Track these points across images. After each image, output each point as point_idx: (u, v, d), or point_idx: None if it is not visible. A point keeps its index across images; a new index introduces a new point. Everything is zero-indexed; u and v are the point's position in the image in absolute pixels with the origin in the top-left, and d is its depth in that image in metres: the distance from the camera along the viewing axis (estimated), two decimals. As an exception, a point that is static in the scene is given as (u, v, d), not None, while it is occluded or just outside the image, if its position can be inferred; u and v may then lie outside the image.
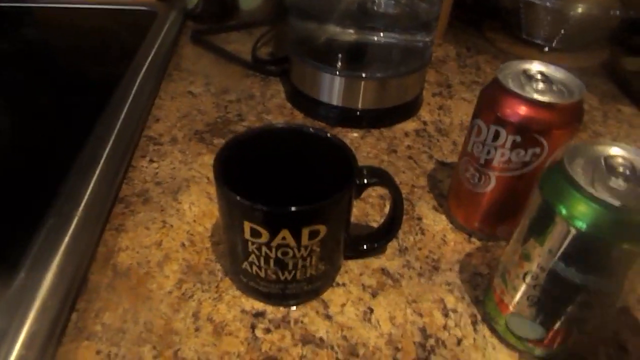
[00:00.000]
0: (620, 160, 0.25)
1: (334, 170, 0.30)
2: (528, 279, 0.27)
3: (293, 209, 0.26)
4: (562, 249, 0.25)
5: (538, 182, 0.27)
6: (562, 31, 0.62)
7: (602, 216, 0.23)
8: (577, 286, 0.25)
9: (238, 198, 0.26)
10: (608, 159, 0.26)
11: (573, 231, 0.24)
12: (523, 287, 0.28)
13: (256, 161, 0.31)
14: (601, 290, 0.25)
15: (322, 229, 0.27)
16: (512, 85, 0.31)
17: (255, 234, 0.27)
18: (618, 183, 0.24)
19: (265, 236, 0.27)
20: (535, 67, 0.33)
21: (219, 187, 0.27)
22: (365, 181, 0.30)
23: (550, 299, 0.27)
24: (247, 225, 0.27)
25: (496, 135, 0.32)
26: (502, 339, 0.31)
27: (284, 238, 0.27)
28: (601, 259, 0.24)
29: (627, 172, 0.25)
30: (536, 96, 0.30)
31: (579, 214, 0.24)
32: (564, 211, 0.24)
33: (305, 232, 0.27)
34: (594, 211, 0.23)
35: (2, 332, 0.28)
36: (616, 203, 0.23)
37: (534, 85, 0.32)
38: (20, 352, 0.27)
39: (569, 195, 0.24)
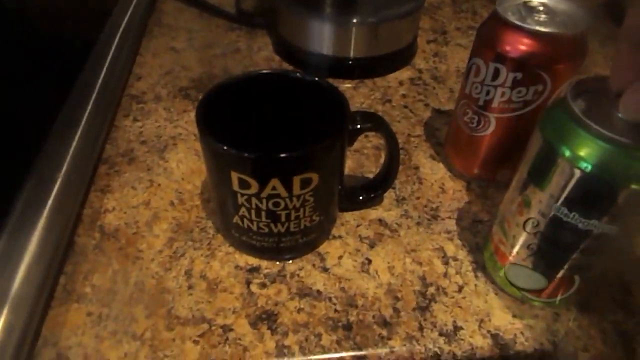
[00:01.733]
0: None
1: (325, 118, 0.29)
2: (528, 226, 0.26)
3: (282, 155, 0.24)
4: (565, 193, 0.23)
5: (538, 123, 0.25)
6: None
7: (609, 155, 0.22)
8: (580, 231, 0.24)
9: (224, 147, 0.25)
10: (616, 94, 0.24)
11: (577, 173, 0.22)
12: (523, 236, 0.27)
13: (242, 110, 0.30)
14: (606, 235, 0.24)
15: (315, 177, 0.26)
16: (512, 18, 0.29)
17: (244, 185, 0.26)
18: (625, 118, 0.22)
19: (254, 187, 0.25)
20: None
21: (202, 137, 0.26)
22: (359, 126, 0.29)
23: (552, 246, 0.26)
24: (234, 176, 0.25)
25: (496, 74, 0.30)
26: (504, 285, 0.30)
27: (274, 188, 0.25)
28: (607, 202, 0.23)
29: None
30: (538, 28, 0.28)
31: (585, 154, 0.22)
32: (567, 152, 0.23)
33: (296, 181, 0.25)
34: (601, 150, 0.22)
35: (-13, 297, 0.26)
36: (626, 140, 0.21)
37: (536, 17, 0.29)
38: (7, 317, 0.26)
39: (573, 134, 0.22)
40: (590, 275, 0.27)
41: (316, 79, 0.29)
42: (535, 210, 0.25)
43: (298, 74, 0.30)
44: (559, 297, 0.28)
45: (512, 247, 0.28)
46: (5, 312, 0.26)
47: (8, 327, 0.26)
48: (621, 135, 0.21)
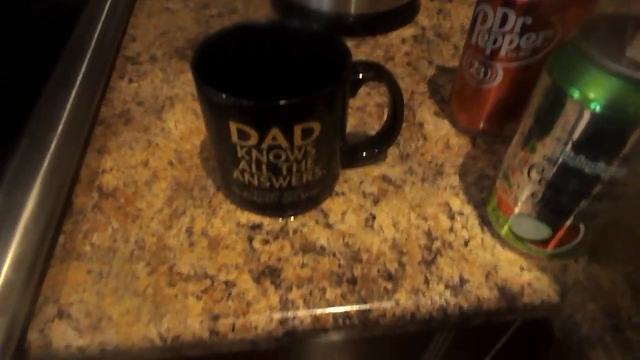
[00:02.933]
0: None
1: (326, 68, 0.27)
2: (533, 173, 0.25)
3: (283, 102, 0.23)
4: (572, 137, 0.23)
5: (546, 66, 0.24)
6: None
7: (621, 93, 0.21)
8: (587, 176, 0.23)
9: (222, 96, 0.24)
10: (632, 27, 0.23)
11: (587, 115, 0.22)
12: (528, 184, 0.26)
13: (239, 62, 0.29)
14: (613, 180, 0.23)
15: (316, 126, 0.25)
16: None
17: (243, 135, 0.25)
18: None
19: (254, 137, 0.25)
20: None
21: (198, 86, 0.25)
22: (360, 76, 0.27)
23: (557, 193, 0.25)
24: (233, 127, 0.24)
25: (504, 19, 0.29)
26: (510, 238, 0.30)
27: (274, 138, 0.25)
28: (616, 144, 0.22)
29: None
30: None
31: (595, 94, 0.21)
32: (576, 93, 0.22)
33: (297, 130, 0.25)
34: (612, 88, 0.21)
35: (-15, 255, 0.26)
36: (638, 77, 0.20)
37: None
38: (7, 274, 0.26)
39: (584, 74, 0.22)
40: (596, 224, 0.26)
41: (315, 28, 0.28)
42: (541, 155, 0.24)
43: (296, 24, 0.28)
44: (564, 248, 0.27)
45: (516, 197, 0.27)
46: (5, 269, 0.26)
47: (8, 284, 0.26)
48: (635, 72, 0.20)
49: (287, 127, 0.24)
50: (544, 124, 0.24)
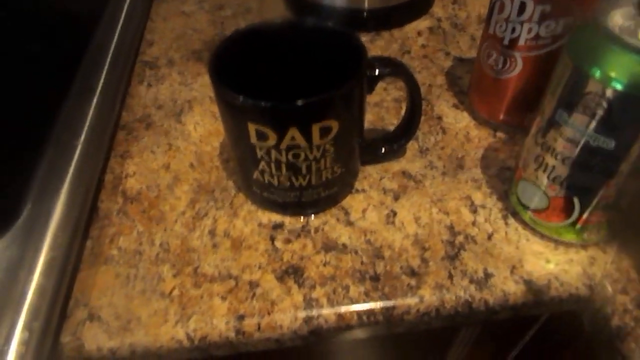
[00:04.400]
0: None
1: (343, 65, 0.27)
2: (553, 155, 0.25)
3: (300, 102, 0.23)
4: (595, 116, 0.22)
5: (565, 47, 0.24)
6: None
7: None
8: (603, 152, 0.23)
9: (240, 97, 0.24)
10: None
11: (609, 93, 0.21)
12: (550, 161, 0.26)
13: (256, 61, 0.29)
14: (629, 156, 0.23)
15: (334, 125, 0.25)
16: None
17: (261, 136, 0.25)
18: None
19: (272, 138, 0.25)
20: None
21: (216, 88, 0.25)
22: (377, 72, 0.27)
23: (578, 172, 0.25)
24: (252, 128, 0.25)
25: (522, 8, 0.29)
26: (535, 231, 0.29)
27: (293, 138, 0.25)
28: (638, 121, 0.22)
29: None
30: None
31: (617, 73, 0.21)
32: (598, 73, 0.21)
33: (315, 129, 0.25)
34: (635, 66, 0.20)
35: (18, 260, 0.27)
36: None
37: None
38: (39, 281, 0.27)
39: (606, 53, 0.21)
40: (590, 200, 0.25)
41: (331, 25, 0.28)
42: (563, 137, 0.24)
43: (313, 22, 0.28)
44: (564, 223, 0.27)
45: (526, 160, 0.28)
46: (36, 275, 0.27)
47: (40, 289, 0.26)
48: None
49: (305, 126, 0.24)
50: (566, 106, 0.24)
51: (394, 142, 0.32)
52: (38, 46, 0.43)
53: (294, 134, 0.24)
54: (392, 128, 0.35)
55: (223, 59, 0.27)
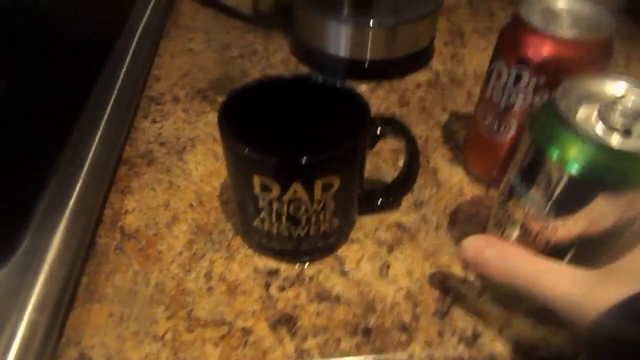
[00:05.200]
0: (625, 96, 0.23)
1: (345, 122, 0.28)
2: (514, 225, 0.26)
3: (305, 159, 0.24)
4: (552, 196, 0.23)
5: (528, 124, 0.25)
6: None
7: (597, 158, 0.21)
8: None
9: (246, 150, 0.25)
10: (610, 94, 0.23)
11: (564, 176, 0.22)
12: (511, 231, 0.27)
13: (262, 113, 0.30)
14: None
15: (336, 180, 0.26)
16: (535, 22, 0.29)
17: (265, 188, 0.26)
18: (620, 121, 0.22)
19: (276, 190, 0.26)
20: (560, 1, 0.30)
21: (224, 139, 0.26)
22: (379, 131, 0.28)
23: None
24: (256, 180, 0.25)
25: (518, 78, 0.30)
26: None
27: (295, 192, 0.26)
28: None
29: (631, 109, 0.22)
30: (562, 32, 0.28)
31: (573, 157, 0.22)
32: (555, 154, 0.22)
33: (318, 185, 0.25)
34: (589, 153, 0.21)
35: (13, 294, 0.27)
36: (614, 145, 0.21)
37: (559, 22, 0.29)
38: (31, 316, 0.27)
39: (561, 136, 0.22)
40: None
41: (338, 83, 0.29)
42: (523, 211, 0.25)
43: (319, 78, 0.30)
44: None
45: (491, 221, 0.29)
46: (29, 311, 0.27)
47: (32, 325, 0.26)
48: (611, 138, 0.21)
49: (308, 182, 0.25)
50: (527, 183, 0.25)
51: (390, 195, 0.33)
52: (47, 76, 0.44)
53: (297, 188, 0.25)
54: (389, 178, 0.36)
55: (232, 109, 0.28)
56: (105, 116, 0.39)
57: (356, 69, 0.47)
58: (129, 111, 0.41)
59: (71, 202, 0.32)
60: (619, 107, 0.22)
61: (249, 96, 0.29)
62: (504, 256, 0.25)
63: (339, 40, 0.46)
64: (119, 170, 0.37)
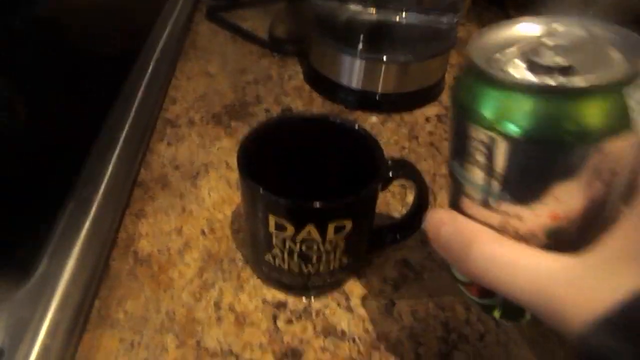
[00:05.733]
0: (549, 32, 0.19)
1: (358, 161, 0.30)
2: None
3: (320, 204, 0.25)
4: (498, 174, 0.18)
5: (450, 95, 0.20)
6: (592, 12, 0.60)
7: (538, 110, 0.16)
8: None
9: (263, 191, 0.26)
10: (531, 36, 0.19)
11: (504, 144, 0.17)
12: None
13: (279, 150, 0.31)
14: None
15: (348, 223, 0.27)
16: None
17: (280, 227, 0.27)
18: (555, 59, 0.17)
19: (290, 230, 0.26)
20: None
21: (243, 178, 0.27)
22: (391, 174, 0.29)
23: None
24: (272, 219, 0.26)
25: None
26: (524, 335, 0.31)
27: (309, 232, 0.26)
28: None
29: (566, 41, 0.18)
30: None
31: (507, 115, 0.17)
32: (485, 118, 0.17)
33: (331, 227, 0.26)
34: (526, 104, 0.16)
35: (26, 321, 0.27)
36: (556, 84, 0.16)
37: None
38: (44, 341, 0.27)
39: (486, 94, 0.17)
40: None
41: (356, 126, 0.30)
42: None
43: (338, 120, 0.31)
44: (488, 300, 0.23)
45: None
46: (42, 336, 0.27)
47: (45, 350, 0.27)
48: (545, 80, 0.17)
49: (322, 224, 0.26)
50: (464, 162, 0.20)
51: (398, 233, 0.34)
52: (63, 96, 0.45)
53: (310, 230, 0.26)
54: (396, 214, 0.37)
55: (251, 147, 0.29)
56: (122, 138, 0.40)
57: (368, 100, 0.48)
58: (145, 133, 0.42)
59: (87, 225, 0.33)
60: (550, 44, 0.18)
61: (268, 133, 0.30)
62: (462, 237, 0.19)
63: (352, 72, 0.47)
64: (134, 192, 0.38)
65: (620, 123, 0.16)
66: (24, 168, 0.38)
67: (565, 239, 0.19)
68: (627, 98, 0.16)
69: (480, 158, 0.19)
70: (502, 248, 0.19)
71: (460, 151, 0.20)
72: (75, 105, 0.43)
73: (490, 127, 0.17)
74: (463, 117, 0.19)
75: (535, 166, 0.17)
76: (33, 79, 0.46)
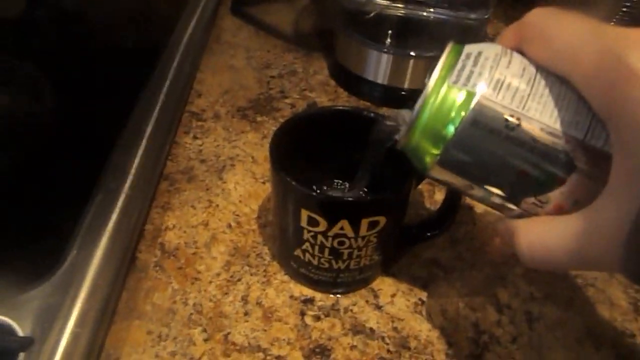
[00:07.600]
0: None
1: (392, 156, 0.29)
2: None
3: (355, 199, 0.24)
4: None
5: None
6: (624, 8, 0.58)
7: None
8: None
9: (297, 185, 0.25)
10: None
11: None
12: None
13: (311, 144, 0.30)
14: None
15: (382, 220, 0.26)
16: None
17: (312, 222, 0.26)
18: None
19: (323, 225, 0.26)
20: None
21: (276, 173, 0.26)
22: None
23: None
24: (304, 213, 0.26)
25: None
26: (558, 340, 0.30)
27: (342, 228, 0.26)
28: None
29: None
30: None
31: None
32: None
33: (364, 223, 0.26)
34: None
35: (56, 308, 0.28)
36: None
37: None
38: (74, 330, 0.27)
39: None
40: None
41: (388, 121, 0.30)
42: None
43: (371, 113, 0.30)
44: None
45: None
46: (71, 324, 0.27)
47: (75, 338, 0.27)
48: None
49: (355, 220, 0.26)
50: None
51: (427, 231, 0.33)
52: (89, 88, 0.45)
53: (343, 225, 0.26)
54: (424, 212, 0.37)
55: (282, 140, 0.28)
56: (148, 130, 0.40)
57: (394, 96, 0.47)
58: (172, 126, 0.42)
59: (114, 216, 0.33)
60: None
61: (299, 127, 0.30)
62: (507, 232, 0.23)
63: (379, 68, 0.47)
64: (160, 185, 0.38)
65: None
66: (53, 159, 0.38)
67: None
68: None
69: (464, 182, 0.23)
70: (535, 226, 0.22)
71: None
72: (102, 97, 0.43)
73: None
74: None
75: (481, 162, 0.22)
76: (61, 71, 0.46)
